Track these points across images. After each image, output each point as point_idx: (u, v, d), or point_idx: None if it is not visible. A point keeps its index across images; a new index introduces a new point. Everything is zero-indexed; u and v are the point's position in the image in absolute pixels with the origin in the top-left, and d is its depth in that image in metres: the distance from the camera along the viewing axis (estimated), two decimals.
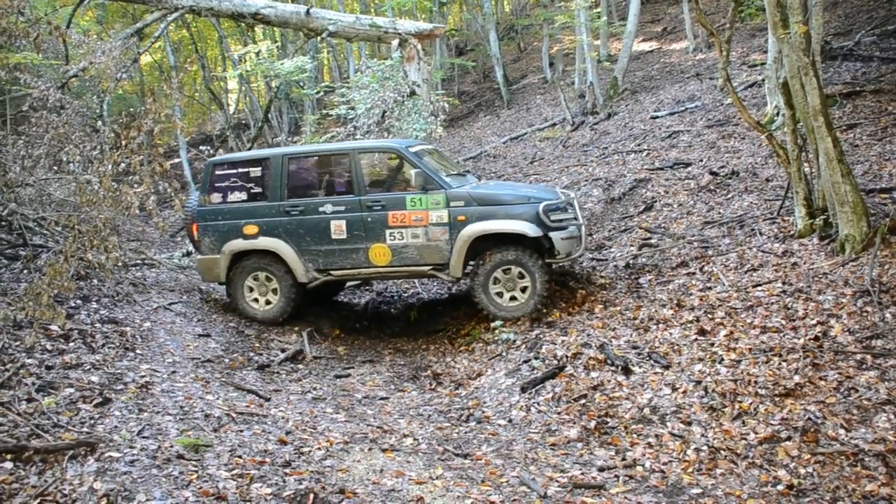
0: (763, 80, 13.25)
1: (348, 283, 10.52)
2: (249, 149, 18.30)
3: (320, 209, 8.27)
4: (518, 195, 8.12)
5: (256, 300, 8.62)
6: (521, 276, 7.90)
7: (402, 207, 8.06)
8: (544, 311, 7.92)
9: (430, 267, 8.17)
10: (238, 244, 8.48)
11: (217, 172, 8.60)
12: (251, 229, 8.42)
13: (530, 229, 7.75)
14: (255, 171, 8.48)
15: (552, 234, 7.80)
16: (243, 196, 8.50)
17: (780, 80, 8.12)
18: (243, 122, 28.60)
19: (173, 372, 6.27)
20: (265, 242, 8.41)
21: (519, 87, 25.32)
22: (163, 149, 11.81)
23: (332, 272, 8.44)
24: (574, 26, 19.91)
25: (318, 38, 13.57)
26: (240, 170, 8.54)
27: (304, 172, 8.67)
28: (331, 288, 9.84)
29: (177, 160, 22.74)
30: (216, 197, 8.57)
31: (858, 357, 5.48)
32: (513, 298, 7.95)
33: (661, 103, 16.73)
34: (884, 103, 11.15)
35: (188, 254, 10.84)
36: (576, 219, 8.17)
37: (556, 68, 24.70)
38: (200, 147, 23.19)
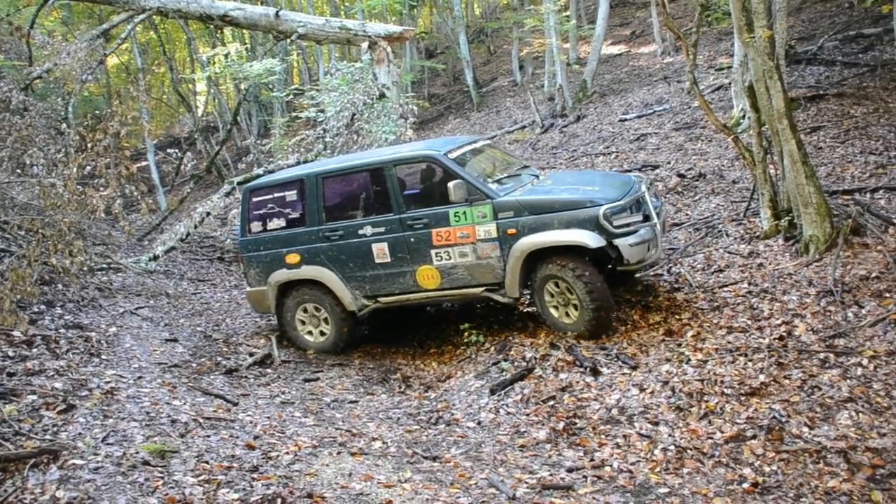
0: (729, 84, 13.43)
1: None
2: (218, 151, 18.16)
3: (360, 232, 7.55)
4: (575, 199, 6.82)
5: (311, 332, 8.17)
6: (570, 291, 6.84)
7: (445, 224, 7.16)
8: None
9: (483, 288, 7.26)
10: (282, 274, 8.00)
11: (254, 199, 8.12)
12: (293, 258, 7.90)
13: (591, 239, 6.56)
14: (291, 195, 7.90)
15: (618, 242, 6.58)
16: (282, 223, 7.96)
17: (746, 83, 8.24)
18: (212, 124, 28.41)
19: (139, 377, 6.17)
20: (308, 271, 7.87)
21: (489, 90, 25.41)
22: (129, 152, 11.67)
23: (380, 299, 7.77)
24: (543, 30, 20.06)
25: (288, 40, 13.50)
26: (276, 194, 7.99)
27: (340, 191, 7.97)
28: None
29: (144, 163, 22.47)
30: (256, 225, 8.11)
31: (822, 356, 5.57)
32: (575, 309, 6.85)
33: (630, 106, 16.88)
34: (846, 107, 11.36)
35: (155, 258, 10.70)
36: (648, 218, 6.92)
37: (526, 71, 24.85)
38: (168, 150, 22.94)
